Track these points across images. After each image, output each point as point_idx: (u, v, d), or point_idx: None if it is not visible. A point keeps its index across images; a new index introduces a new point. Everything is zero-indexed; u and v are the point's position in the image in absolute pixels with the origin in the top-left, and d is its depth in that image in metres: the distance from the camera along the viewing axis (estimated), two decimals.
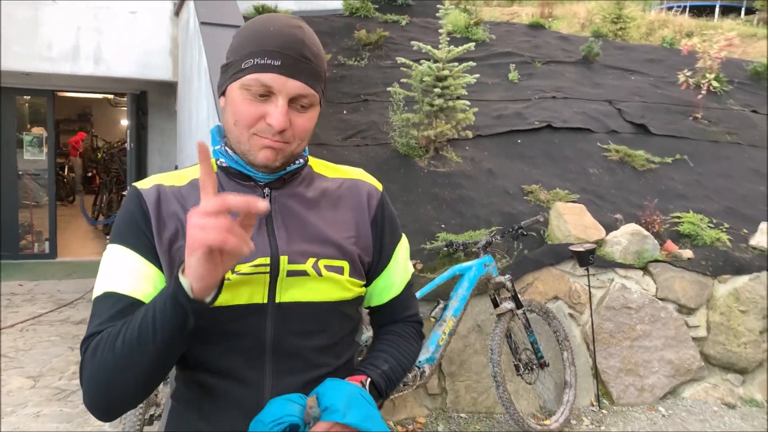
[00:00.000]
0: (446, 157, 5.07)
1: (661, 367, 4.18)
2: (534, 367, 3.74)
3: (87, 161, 14.36)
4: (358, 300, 1.17)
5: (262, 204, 0.86)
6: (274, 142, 1.04)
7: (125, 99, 11.62)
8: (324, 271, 1.08)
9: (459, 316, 3.55)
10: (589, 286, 4.11)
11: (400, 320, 1.26)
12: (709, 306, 4.38)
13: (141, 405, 2.88)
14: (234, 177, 1.11)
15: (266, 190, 1.10)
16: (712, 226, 4.79)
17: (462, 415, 3.76)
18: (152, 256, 1.05)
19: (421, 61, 4.94)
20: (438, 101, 4.78)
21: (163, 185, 1.11)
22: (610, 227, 4.51)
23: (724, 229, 4.77)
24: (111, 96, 12.86)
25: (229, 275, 1.02)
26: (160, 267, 1.06)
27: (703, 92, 6.38)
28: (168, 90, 7.56)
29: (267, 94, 1.03)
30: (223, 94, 1.09)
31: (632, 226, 4.46)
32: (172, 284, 0.92)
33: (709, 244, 4.59)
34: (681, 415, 4.01)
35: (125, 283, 1.04)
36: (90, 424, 3.59)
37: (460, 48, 4.87)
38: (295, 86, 1.02)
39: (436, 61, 4.88)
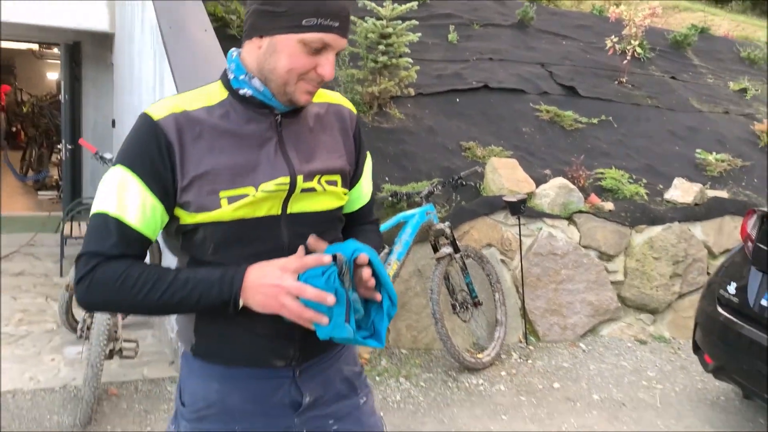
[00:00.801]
0: (390, 113, 5.27)
1: (582, 307, 4.60)
2: (469, 306, 4.06)
3: (11, 115, 13.77)
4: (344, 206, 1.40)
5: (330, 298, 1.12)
6: (314, 87, 1.22)
7: (53, 51, 11.16)
8: (326, 186, 1.28)
9: (402, 260, 3.81)
10: (519, 234, 4.45)
11: (366, 222, 1.51)
12: (626, 253, 4.82)
13: (104, 340, 3.02)
14: (252, 106, 1.24)
15: (278, 118, 1.25)
16: (632, 181, 5.21)
17: (403, 351, 4.06)
18: (161, 191, 1.18)
19: (366, 18, 5.09)
20: (382, 58, 4.96)
21: (178, 113, 1.20)
22: (539, 181, 4.86)
23: (642, 185, 5.20)
24: (36, 48, 12.32)
25: (253, 192, 1.20)
26: (164, 202, 1.18)
27: (628, 58, 6.80)
28: (104, 41, 7.39)
29: (321, 48, 1.17)
30: (261, 35, 1.19)
31: (560, 180, 4.82)
32: (226, 295, 1.15)
33: (629, 198, 5.01)
34: (599, 350, 4.44)
35: (133, 214, 1.16)
36: (44, 362, 3.68)
37: (404, 6, 5.05)
38: (344, 43, 1.20)
39: (380, 19, 5.04)
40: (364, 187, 1.46)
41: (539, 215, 4.62)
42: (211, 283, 1.15)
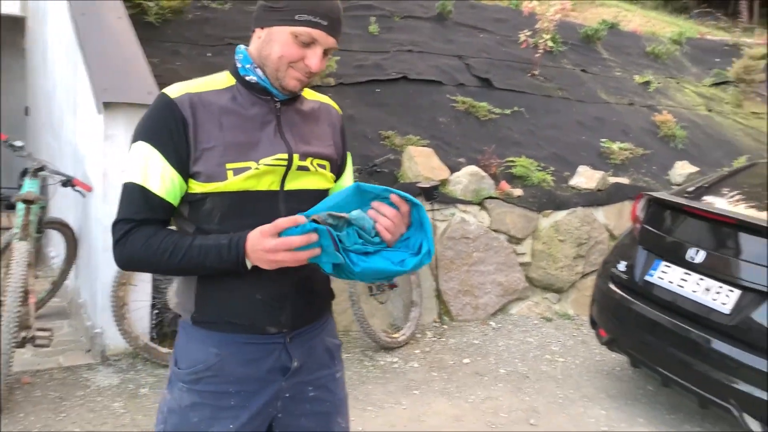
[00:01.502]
0: None
1: (492, 288, 4.86)
2: (385, 288, 4.24)
3: None
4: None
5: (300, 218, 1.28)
6: (303, 77, 1.39)
7: None
8: (317, 168, 1.46)
9: None
10: (433, 219, 4.66)
11: None
12: (534, 236, 5.11)
13: (14, 328, 3.01)
14: (256, 92, 1.42)
15: (277, 105, 1.44)
16: (540, 169, 5.51)
17: None
18: (177, 162, 1.35)
19: None
20: None
21: (192, 93, 1.38)
22: (454, 169, 5.08)
23: (550, 172, 5.51)
24: None
25: (255, 166, 1.36)
26: (181, 172, 1.35)
27: (540, 51, 7.12)
28: (15, 25, 7.13)
29: (310, 43, 1.36)
30: (262, 27, 1.39)
31: (472, 168, 5.05)
32: (235, 259, 1.32)
33: (537, 185, 5.30)
34: (508, 328, 4.72)
35: (155, 183, 1.34)
36: None
37: None
38: (332, 42, 1.39)
39: None
40: (347, 179, 1.63)
41: (453, 201, 4.84)
42: (221, 248, 1.32)
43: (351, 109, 5.54)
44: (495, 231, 4.94)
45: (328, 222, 1.30)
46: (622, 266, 3.73)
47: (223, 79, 1.44)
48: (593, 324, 3.97)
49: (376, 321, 4.32)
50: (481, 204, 4.94)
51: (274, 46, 1.36)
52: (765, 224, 3.14)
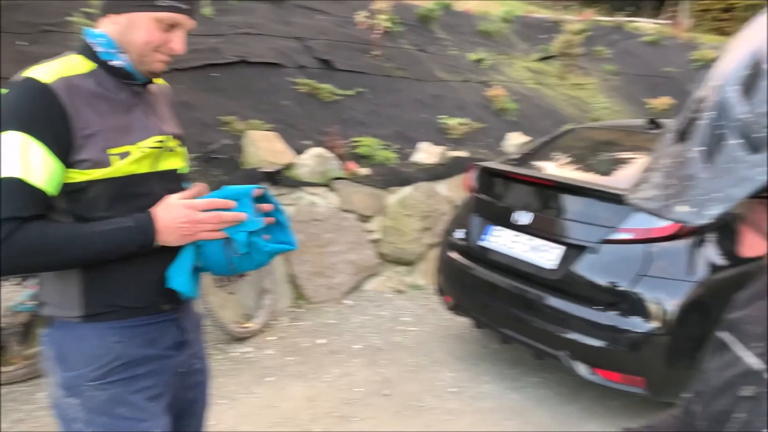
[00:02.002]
0: None
1: (345, 267, 4.91)
2: (233, 278, 4.13)
3: None
4: None
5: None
6: (167, 59, 1.42)
7: None
8: (178, 147, 1.55)
9: None
10: (281, 203, 4.60)
11: None
12: (382, 213, 5.22)
13: None
14: (119, 76, 1.42)
15: (139, 88, 1.47)
16: (384, 147, 5.63)
17: None
18: (58, 151, 1.30)
19: None
20: None
21: (65, 77, 1.34)
22: (299, 152, 5.04)
23: (394, 150, 5.64)
24: None
25: (134, 150, 1.39)
26: (62, 161, 1.31)
27: (379, 32, 7.23)
28: None
29: (173, 26, 1.38)
30: (118, 12, 1.37)
31: (318, 150, 5.04)
32: (144, 240, 1.37)
33: (382, 162, 5.41)
34: (363, 304, 4.80)
35: (38, 174, 1.28)
36: None
37: None
38: (193, 24, 1.42)
39: None
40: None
41: (300, 184, 4.81)
42: (128, 230, 1.35)
43: (186, 95, 5.30)
44: (344, 211, 4.98)
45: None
46: (459, 234, 3.91)
47: (80, 64, 1.41)
48: (440, 292, 4.14)
49: (227, 312, 4.20)
50: (328, 185, 4.95)
51: (136, 33, 1.37)
52: (580, 184, 3.43)
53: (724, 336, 0.90)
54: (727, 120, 0.62)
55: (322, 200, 4.90)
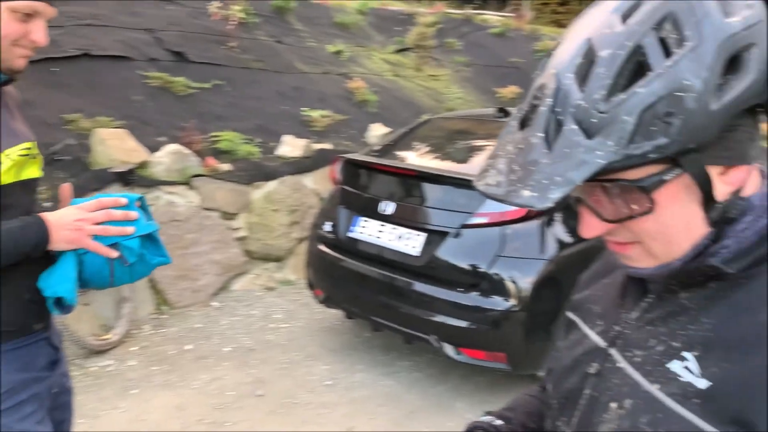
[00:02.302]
0: None
1: (211, 267, 4.75)
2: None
3: None
4: None
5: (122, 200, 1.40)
6: (30, 52, 1.33)
7: None
8: (37, 154, 1.45)
9: None
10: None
11: None
12: (247, 209, 5.11)
13: None
14: None
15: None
16: (246, 141, 5.50)
17: None
18: None
19: None
20: None
21: None
22: (154, 149, 4.79)
23: (256, 144, 5.53)
24: None
25: (6, 159, 1.30)
26: None
27: (234, 23, 7.04)
28: None
29: (31, 15, 1.28)
30: None
31: (174, 146, 4.82)
32: (37, 238, 1.30)
33: (244, 157, 5.28)
34: (231, 305, 4.67)
35: None
36: None
37: None
38: (54, 11, 1.33)
39: None
40: None
41: (156, 183, 4.57)
42: (20, 230, 1.28)
43: (25, 92, 4.84)
44: (207, 209, 4.81)
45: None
46: (327, 227, 3.91)
47: None
48: (310, 285, 4.12)
49: (83, 325, 3.92)
50: (188, 183, 4.75)
51: None
52: (438, 172, 3.56)
53: (571, 315, 0.95)
54: (564, 106, 0.64)
55: (182, 199, 4.69)
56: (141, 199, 1.49)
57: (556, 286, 3.27)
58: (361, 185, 3.87)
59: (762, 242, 0.71)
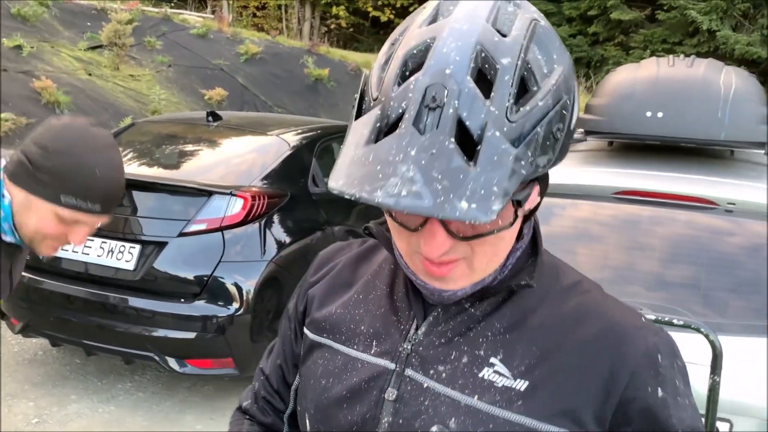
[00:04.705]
0: None
1: None
2: None
3: None
4: None
5: None
6: (59, 247, 1.27)
7: None
8: None
9: None
10: None
11: None
12: None
13: None
14: None
15: None
16: None
17: None
18: None
19: None
20: None
21: None
22: None
23: None
24: None
25: None
26: None
27: None
28: None
29: (76, 222, 1.24)
30: (19, 186, 1.21)
31: None
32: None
33: None
34: None
35: None
36: None
37: None
38: (105, 219, 1.27)
39: None
40: None
41: None
42: None
43: None
44: None
45: None
46: None
47: None
48: (2, 315, 3.61)
49: None
50: None
51: (31, 217, 1.22)
52: (150, 180, 3.40)
53: (316, 338, 0.89)
54: (471, 111, 0.59)
55: None
56: None
57: (277, 286, 3.38)
58: None
59: (530, 252, 0.79)
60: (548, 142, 0.63)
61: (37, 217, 1.22)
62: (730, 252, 2.07)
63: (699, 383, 1.51)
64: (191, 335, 3.17)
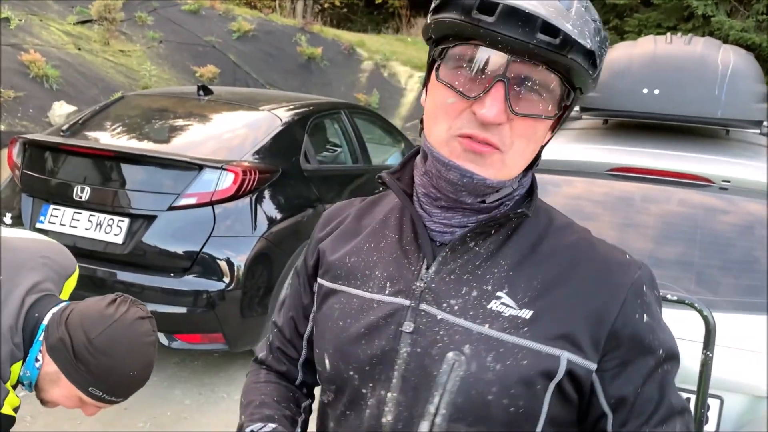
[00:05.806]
0: None
1: None
2: None
3: None
4: None
5: None
6: None
7: None
8: None
9: None
10: None
11: None
12: None
13: None
14: None
15: None
16: None
17: None
18: None
19: None
20: None
21: None
22: None
23: None
24: None
25: None
26: None
27: None
28: None
29: None
30: None
31: None
32: None
33: None
34: None
35: None
36: None
37: None
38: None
39: None
40: None
41: None
42: None
43: None
44: None
45: None
46: (7, 219, 3.42)
47: None
48: None
49: None
50: None
51: (56, 391, 1.31)
52: (140, 153, 3.36)
53: (329, 284, 0.94)
54: None
55: None
56: None
57: (268, 261, 3.35)
58: (50, 169, 3.46)
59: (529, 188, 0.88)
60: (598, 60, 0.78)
61: (60, 393, 1.29)
62: (725, 230, 2.07)
63: (692, 359, 1.51)
64: (181, 310, 3.15)
